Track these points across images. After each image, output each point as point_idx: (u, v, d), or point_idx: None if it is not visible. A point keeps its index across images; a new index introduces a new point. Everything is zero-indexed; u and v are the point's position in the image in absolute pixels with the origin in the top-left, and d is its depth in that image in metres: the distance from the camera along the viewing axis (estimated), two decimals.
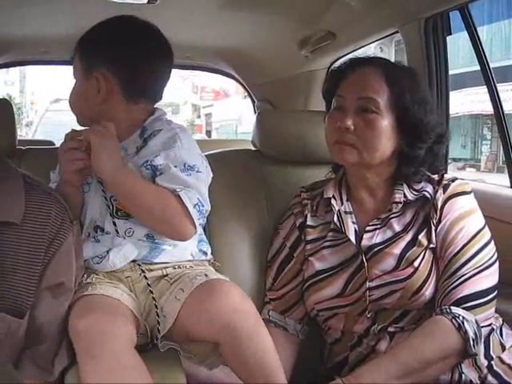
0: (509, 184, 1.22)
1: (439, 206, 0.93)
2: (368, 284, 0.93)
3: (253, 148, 1.26)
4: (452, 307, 0.87)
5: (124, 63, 0.93)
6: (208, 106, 16.79)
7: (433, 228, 0.93)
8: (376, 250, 0.95)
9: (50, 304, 0.80)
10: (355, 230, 0.98)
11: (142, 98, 0.95)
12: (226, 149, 1.31)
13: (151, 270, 0.92)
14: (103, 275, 0.91)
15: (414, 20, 1.28)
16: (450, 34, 1.30)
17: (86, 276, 0.90)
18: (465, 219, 0.92)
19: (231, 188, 1.15)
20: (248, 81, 2.28)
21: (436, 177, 0.98)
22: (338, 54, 1.71)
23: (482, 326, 0.87)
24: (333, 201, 1.00)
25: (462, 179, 0.99)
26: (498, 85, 1.25)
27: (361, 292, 0.94)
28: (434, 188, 0.96)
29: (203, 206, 0.90)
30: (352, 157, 0.94)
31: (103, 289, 0.87)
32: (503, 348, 0.93)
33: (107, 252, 0.91)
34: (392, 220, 0.96)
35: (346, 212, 1.00)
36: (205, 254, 0.99)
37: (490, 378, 0.89)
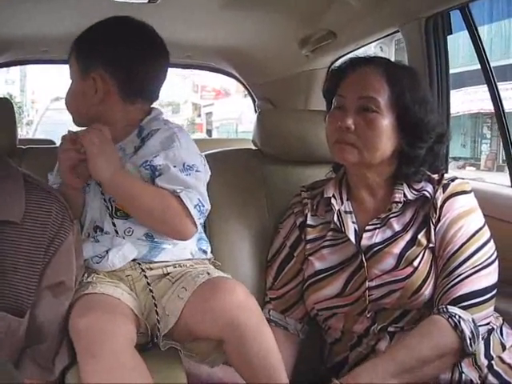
0: (509, 183, 1.22)
1: (439, 206, 0.93)
2: (367, 284, 0.93)
3: (253, 147, 1.26)
4: (449, 306, 0.87)
5: (121, 64, 0.93)
6: (208, 105, 16.78)
7: (432, 227, 0.93)
8: (375, 249, 0.95)
9: (50, 303, 0.80)
10: (355, 230, 0.98)
11: (138, 98, 0.96)
12: (226, 148, 1.31)
13: (151, 269, 0.92)
14: (104, 274, 0.91)
15: (415, 19, 1.28)
16: (451, 33, 1.30)
17: (86, 275, 0.90)
18: (464, 218, 0.92)
19: (232, 187, 1.16)
20: (249, 80, 2.28)
21: (436, 176, 0.98)
22: (339, 54, 1.71)
23: (480, 325, 0.87)
24: (333, 200, 1.00)
25: (462, 179, 0.99)
26: (497, 84, 1.25)
27: (360, 292, 0.94)
28: (434, 187, 0.96)
29: (203, 205, 0.90)
30: (352, 156, 0.94)
31: (104, 288, 0.88)
32: (503, 347, 0.93)
33: (106, 252, 0.91)
34: (392, 219, 0.96)
35: (345, 212, 1.00)
36: (204, 252, 0.99)
37: (490, 377, 0.89)
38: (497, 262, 0.92)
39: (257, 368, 0.82)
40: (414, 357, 0.84)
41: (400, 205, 0.96)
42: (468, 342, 0.85)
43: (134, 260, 0.92)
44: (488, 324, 0.90)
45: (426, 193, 0.95)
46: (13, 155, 1.07)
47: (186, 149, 0.92)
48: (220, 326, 0.82)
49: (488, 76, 1.24)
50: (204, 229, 1.10)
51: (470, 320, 0.86)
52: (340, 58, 1.72)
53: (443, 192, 0.94)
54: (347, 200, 1.01)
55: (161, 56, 0.97)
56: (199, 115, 17.60)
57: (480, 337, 0.87)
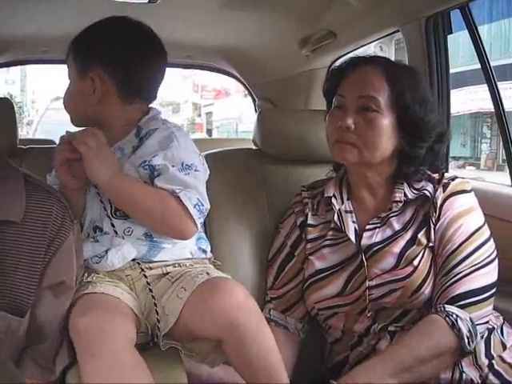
0: (509, 182, 1.22)
1: (439, 205, 0.93)
2: (368, 283, 0.93)
3: (253, 147, 1.26)
4: (446, 305, 0.87)
5: (119, 64, 0.93)
6: (209, 105, 16.78)
7: (432, 226, 0.93)
8: (376, 248, 0.95)
9: (51, 303, 0.81)
10: (355, 229, 0.98)
11: (136, 97, 0.96)
12: (226, 148, 1.31)
13: (151, 269, 0.92)
14: (104, 274, 0.91)
15: (415, 19, 1.28)
16: (451, 32, 1.30)
17: (86, 275, 0.90)
18: (463, 217, 0.92)
19: (232, 187, 1.16)
20: (249, 80, 2.28)
21: (436, 176, 0.98)
22: (339, 53, 1.71)
23: (478, 324, 0.87)
24: (333, 200, 1.00)
25: (463, 178, 0.99)
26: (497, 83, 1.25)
27: (360, 291, 0.94)
28: (434, 187, 0.96)
29: (203, 205, 0.90)
30: (353, 156, 0.94)
31: (104, 287, 0.88)
32: (504, 347, 0.93)
33: (106, 252, 0.91)
34: (392, 219, 0.96)
35: (346, 211, 1.00)
36: (204, 252, 0.99)
37: (491, 376, 0.89)
38: (496, 261, 0.92)
39: (257, 368, 0.82)
40: (412, 356, 0.84)
41: (400, 204, 0.96)
42: (466, 340, 0.85)
43: (133, 260, 0.92)
44: (487, 323, 0.90)
45: (426, 192, 0.95)
46: (13, 155, 1.07)
47: (185, 148, 0.92)
48: (219, 327, 0.81)
49: (488, 75, 1.24)
50: (204, 228, 1.10)
51: (468, 319, 0.86)
52: (340, 57, 1.72)
53: (443, 191, 0.94)
54: (347, 199, 1.01)
55: (158, 56, 0.97)
56: (199, 115, 17.60)
57: (478, 335, 0.87)
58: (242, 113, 12.13)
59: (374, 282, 0.93)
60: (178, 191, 0.88)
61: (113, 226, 0.92)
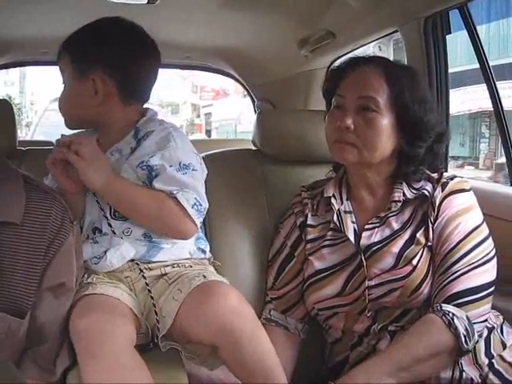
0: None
1: (437, 204, 0.93)
2: (367, 283, 0.93)
3: (253, 147, 1.26)
4: (443, 305, 0.87)
5: (118, 64, 0.93)
6: (207, 106, 16.78)
7: (430, 226, 0.93)
8: (375, 248, 0.95)
9: (51, 304, 0.80)
10: (354, 230, 0.98)
11: (135, 98, 0.97)
12: (226, 148, 1.31)
13: (150, 269, 0.93)
14: (103, 275, 0.91)
15: (414, 19, 1.28)
16: (450, 32, 1.30)
17: (86, 276, 0.90)
18: (462, 216, 0.93)
19: (232, 187, 1.16)
20: (248, 80, 2.29)
21: (435, 175, 0.98)
22: (338, 54, 1.71)
23: (476, 323, 0.87)
24: (333, 200, 1.00)
25: (461, 177, 0.99)
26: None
27: (360, 291, 0.94)
28: (433, 186, 0.96)
29: (201, 204, 0.90)
30: (352, 156, 0.94)
31: (103, 288, 0.88)
32: (504, 346, 0.93)
33: (105, 252, 0.91)
34: (391, 218, 0.96)
35: (345, 211, 1.00)
36: (203, 252, 0.99)
37: (491, 376, 0.89)
38: (495, 260, 0.92)
39: (253, 372, 0.82)
40: (410, 356, 0.84)
41: (399, 204, 0.96)
42: (463, 339, 0.85)
43: (132, 260, 0.92)
44: (485, 321, 0.90)
45: (425, 192, 0.95)
46: (13, 157, 1.07)
47: (182, 148, 0.92)
48: (213, 332, 0.81)
49: (487, 75, 1.24)
50: (204, 229, 1.11)
51: (465, 317, 0.86)
52: (339, 58, 1.72)
53: (442, 190, 0.95)
54: (347, 200, 1.01)
55: (152, 56, 0.98)
56: (198, 116, 17.60)
57: (476, 334, 0.87)
58: (240, 113, 12.13)
59: (373, 282, 0.93)
60: (175, 192, 0.88)
61: (110, 226, 0.92)
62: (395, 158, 0.97)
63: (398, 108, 0.93)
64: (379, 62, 0.98)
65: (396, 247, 0.94)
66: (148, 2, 1.42)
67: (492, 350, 0.92)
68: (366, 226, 0.97)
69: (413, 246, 0.93)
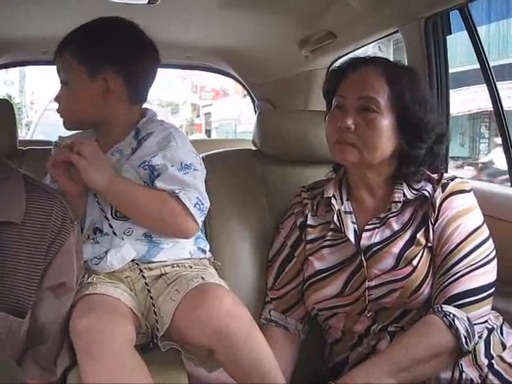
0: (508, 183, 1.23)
1: (437, 205, 0.93)
2: (367, 283, 0.93)
3: (253, 148, 1.26)
4: (443, 305, 0.87)
5: (127, 64, 0.93)
6: (207, 106, 16.78)
7: (431, 226, 0.93)
8: (375, 249, 0.95)
9: (51, 304, 0.80)
10: (355, 230, 0.98)
11: (139, 98, 0.97)
12: (226, 149, 1.31)
13: (150, 269, 0.93)
14: (104, 275, 0.92)
15: (415, 20, 1.28)
16: (450, 33, 1.30)
17: (86, 276, 0.91)
18: (462, 217, 0.93)
19: (232, 187, 1.16)
20: (248, 80, 2.29)
21: (436, 176, 0.98)
22: (338, 54, 1.72)
23: (476, 324, 0.87)
24: (333, 200, 1.00)
25: (462, 178, 0.99)
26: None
27: (360, 291, 0.94)
28: (433, 187, 0.96)
29: (203, 203, 0.91)
30: (353, 156, 0.94)
31: (104, 288, 0.88)
32: (504, 347, 0.93)
33: (105, 253, 0.91)
34: (391, 219, 0.96)
35: (345, 212, 1.00)
36: (203, 251, 1.00)
37: (490, 376, 0.90)
38: (495, 261, 0.92)
39: (250, 373, 0.81)
40: (410, 356, 0.84)
41: (399, 204, 0.96)
42: (463, 340, 0.85)
43: (132, 260, 0.92)
44: (485, 322, 0.90)
45: (425, 192, 0.95)
46: (13, 156, 1.07)
47: (183, 148, 0.93)
48: (208, 335, 0.81)
49: (487, 76, 1.24)
50: (204, 229, 1.11)
51: (465, 318, 0.86)
52: (339, 58, 1.72)
53: (442, 191, 0.95)
54: (347, 200, 1.01)
55: (152, 56, 0.98)
56: (198, 115, 17.60)
57: (476, 335, 0.87)
58: (240, 113, 12.12)
59: (373, 283, 0.93)
60: (177, 191, 0.89)
61: (111, 227, 0.92)
62: (395, 159, 0.97)
63: (398, 109, 0.93)
64: (380, 62, 0.98)
65: (396, 248, 0.94)
66: (148, 2, 1.42)
67: (492, 351, 0.92)
68: (366, 227, 0.97)
69: (413, 247, 0.93)
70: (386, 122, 0.93)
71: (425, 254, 0.93)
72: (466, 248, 0.91)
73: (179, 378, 0.85)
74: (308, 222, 1.03)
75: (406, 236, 0.94)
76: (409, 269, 0.92)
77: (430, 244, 0.93)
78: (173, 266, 0.93)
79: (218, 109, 15.76)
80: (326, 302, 0.97)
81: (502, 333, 0.95)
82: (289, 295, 1.03)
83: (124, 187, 0.90)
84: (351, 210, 1.01)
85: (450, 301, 0.88)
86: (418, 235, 0.94)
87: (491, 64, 1.26)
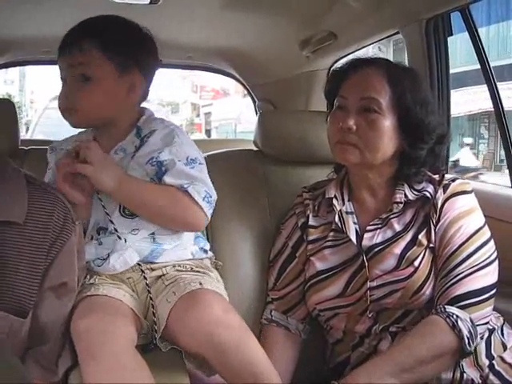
0: (509, 183, 1.23)
1: (439, 206, 0.94)
2: (369, 284, 0.93)
3: (254, 148, 1.26)
4: (446, 306, 0.88)
5: (148, 65, 0.95)
6: (207, 105, 16.78)
7: (432, 227, 0.93)
8: (377, 249, 0.95)
9: (53, 304, 0.80)
10: (356, 231, 0.98)
11: (146, 98, 0.99)
12: (227, 149, 1.31)
13: (153, 270, 0.93)
14: (106, 276, 0.92)
15: (416, 21, 1.28)
16: (451, 34, 1.31)
17: (88, 277, 0.91)
18: (464, 218, 0.93)
19: (233, 188, 1.16)
20: (249, 81, 2.29)
21: (437, 177, 0.98)
22: (340, 55, 1.72)
23: (479, 325, 0.87)
24: (334, 201, 1.00)
25: (463, 179, 1.00)
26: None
27: (362, 292, 0.94)
28: (434, 188, 0.96)
29: (211, 196, 0.92)
30: (354, 157, 0.95)
31: (106, 289, 0.88)
32: (504, 347, 0.94)
33: (108, 255, 0.91)
34: (392, 220, 0.96)
35: (347, 212, 1.00)
36: (205, 251, 1.00)
37: (491, 377, 0.90)
38: (496, 262, 0.92)
39: (245, 379, 0.81)
40: (412, 357, 0.84)
41: (401, 205, 0.96)
42: (466, 341, 0.85)
43: None
44: (487, 323, 0.90)
45: (426, 193, 0.96)
46: (14, 156, 1.07)
47: (187, 143, 0.94)
48: (198, 342, 0.81)
49: (488, 76, 1.24)
50: (205, 229, 1.11)
51: (468, 319, 0.86)
52: (340, 59, 1.72)
53: (444, 192, 0.95)
54: (348, 201, 1.02)
55: (158, 57, 0.99)
56: (198, 115, 17.60)
57: (478, 336, 0.87)
58: (240, 113, 12.12)
59: (375, 283, 0.93)
60: (186, 186, 0.90)
61: (115, 225, 0.91)
62: (397, 160, 0.97)
63: (399, 109, 0.94)
64: (381, 63, 0.98)
65: (398, 248, 0.94)
66: (150, 2, 1.42)
67: (492, 352, 0.92)
68: (368, 228, 0.97)
69: (415, 248, 0.93)
70: (387, 123, 0.93)
71: (426, 254, 0.93)
72: (468, 249, 0.91)
73: (180, 378, 0.85)
74: (309, 223, 1.03)
75: (408, 237, 0.95)
76: (410, 269, 0.92)
77: (431, 245, 0.93)
78: (174, 266, 0.93)
79: (218, 108, 15.76)
80: (327, 302, 0.97)
81: (502, 333, 0.96)
82: (290, 295, 1.04)
83: (133, 186, 0.90)
84: (353, 210, 1.01)
85: (452, 302, 0.88)
86: (420, 236, 0.94)
87: (491, 65, 1.26)
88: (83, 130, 1.01)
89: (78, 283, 0.85)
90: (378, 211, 0.98)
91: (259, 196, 1.17)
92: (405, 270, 0.92)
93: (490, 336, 0.93)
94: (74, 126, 0.96)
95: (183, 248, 0.96)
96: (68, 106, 0.92)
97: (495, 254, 0.93)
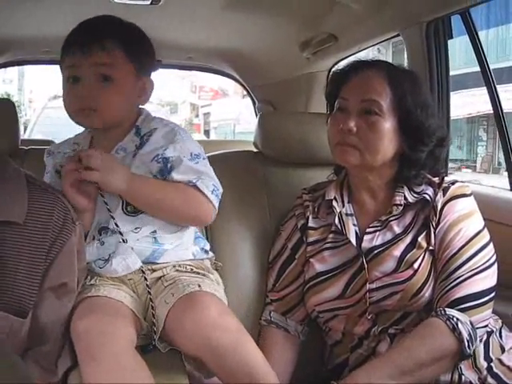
0: (508, 187, 1.23)
1: (439, 209, 0.94)
2: (368, 286, 0.94)
3: (254, 149, 1.27)
4: (447, 309, 0.88)
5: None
6: (206, 106, 16.77)
7: (432, 230, 0.94)
8: (376, 252, 0.95)
9: (53, 304, 0.80)
10: (356, 232, 0.98)
11: None
12: (227, 150, 1.32)
13: (154, 271, 0.93)
14: (106, 277, 0.91)
15: (416, 24, 1.28)
16: (452, 37, 1.31)
17: (89, 278, 0.91)
18: (463, 221, 0.93)
19: (233, 189, 1.15)
20: (249, 82, 2.29)
21: (436, 179, 0.98)
22: (340, 57, 1.72)
23: (478, 328, 0.88)
24: (334, 203, 1.00)
25: (462, 182, 1.00)
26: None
27: (361, 294, 0.94)
28: (434, 191, 0.96)
29: (218, 189, 0.93)
30: (354, 158, 0.95)
31: (107, 290, 0.88)
32: (503, 350, 0.94)
33: (110, 255, 0.91)
34: (392, 222, 0.97)
35: (347, 214, 1.00)
36: (206, 252, 1.00)
37: (489, 379, 0.90)
38: (496, 265, 0.92)
39: (242, 380, 0.81)
40: (412, 359, 0.85)
41: (400, 207, 0.96)
42: (466, 344, 0.85)
43: None
44: (486, 326, 0.91)
45: (426, 196, 0.96)
46: (15, 156, 1.07)
47: (188, 140, 0.95)
48: (196, 345, 0.81)
49: (488, 79, 1.25)
50: (205, 229, 1.11)
51: (468, 322, 0.87)
52: (341, 60, 1.73)
53: (443, 195, 0.95)
54: (348, 202, 1.02)
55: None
56: (197, 115, 17.59)
57: (478, 339, 0.88)
58: (239, 114, 12.12)
59: (374, 285, 0.94)
60: (194, 180, 0.91)
61: (117, 226, 0.91)
62: (397, 162, 0.97)
63: (400, 112, 0.94)
64: (382, 65, 0.98)
65: (397, 251, 0.94)
66: (151, 3, 1.42)
67: (491, 354, 0.92)
68: (368, 230, 0.97)
69: (414, 250, 0.94)
70: (387, 125, 0.94)
71: (426, 257, 0.93)
72: (468, 253, 0.91)
73: (180, 378, 0.85)
74: (309, 224, 1.03)
75: (408, 239, 0.95)
76: (410, 272, 0.92)
77: (431, 247, 0.94)
78: (174, 267, 0.94)
79: (217, 109, 15.75)
80: (326, 304, 0.97)
81: (500, 336, 0.96)
82: (289, 297, 1.04)
83: (143, 184, 0.90)
84: (352, 212, 1.01)
85: (452, 305, 0.89)
86: (420, 238, 0.94)
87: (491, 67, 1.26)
88: (80, 131, 1.01)
89: (79, 284, 0.85)
90: (377, 213, 0.99)
91: (259, 197, 1.17)
92: (404, 273, 0.92)
93: (488, 338, 0.93)
94: (90, 126, 0.95)
95: (184, 248, 0.96)
96: (84, 107, 0.89)
97: (494, 257, 0.93)
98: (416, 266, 0.92)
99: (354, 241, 0.97)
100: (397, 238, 0.95)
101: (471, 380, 0.90)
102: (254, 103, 2.36)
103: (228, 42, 1.88)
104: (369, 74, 0.96)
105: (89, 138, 0.98)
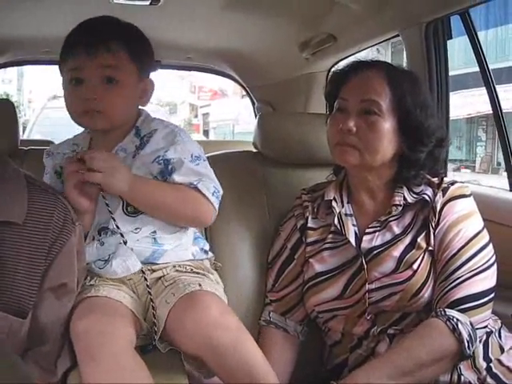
0: (508, 187, 1.23)
1: (438, 209, 0.94)
2: (367, 286, 0.94)
3: (253, 149, 1.27)
4: (447, 309, 0.88)
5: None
6: (205, 106, 16.77)
7: (431, 231, 0.94)
8: (376, 252, 0.95)
9: (52, 305, 0.80)
10: (355, 233, 0.98)
11: None
12: (227, 150, 1.32)
13: (153, 271, 0.93)
14: (106, 278, 0.91)
15: (416, 24, 1.28)
16: (451, 38, 1.31)
17: (89, 278, 0.91)
18: (463, 222, 0.93)
19: (233, 189, 1.15)
20: (248, 82, 2.29)
21: (436, 180, 0.98)
22: (339, 57, 1.72)
23: (478, 328, 0.88)
24: (333, 203, 1.01)
25: (462, 182, 1.00)
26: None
27: (360, 294, 0.94)
28: (433, 191, 0.96)
29: (218, 191, 0.93)
30: (354, 158, 0.95)
31: (106, 291, 0.88)
32: (502, 350, 0.94)
33: (109, 256, 0.91)
34: (391, 222, 0.97)
35: (346, 214, 1.00)
36: (205, 252, 1.00)
37: (488, 379, 0.90)
38: (495, 266, 0.93)
39: (242, 380, 0.81)
40: (412, 360, 0.85)
41: (400, 208, 0.96)
42: (466, 344, 0.85)
43: None
44: (486, 327, 0.91)
45: (425, 196, 0.96)
46: (14, 156, 1.07)
47: (189, 141, 0.95)
48: (197, 344, 0.81)
49: (487, 79, 1.25)
50: (204, 230, 1.11)
51: (468, 323, 0.87)
52: (340, 61, 1.73)
53: (443, 196, 0.95)
54: (348, 203, 1.02)
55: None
56: (196, 116, 17.59)
57: (477, 339, 0.88)
58: (238, 114, 12.12)
59: (373, 286, 0.94)
60: (195, 182, 0.91)
61: (117, 227, 0.91)
62: (396, 162, 0.97)
63: (399, 112, 0.94)
64: (381, 66, 0.98)
65: (397, 251, 0.94)
66: (151, 3, 1.42)
67: (490, 354, 0.92)
68: (367, 230, 0.97)
69: (413, 251, 0.94)
70: (387, 125, 0.94)
71: (425, 257, 0.93)
72: (467, 253, 0.91)
73: (179, 379, 0.85)
74: (308, 225, 1.03)
75: (407, 240, 0.95)
76: (409, 272, 0.92)
77: (430, 248, 0.94)
78: (174, 267, 0.94)
79: (216, 109, 15.75)
80: (325, 304, 0.98)
81: (500, 336, 0.96)
82: (288, 297, 1.04)
83: (145, 186, 0.90)
84: (352, 212, 1.01)
85: (452, 305, 0.89)
86: (419, 239, 0.94)
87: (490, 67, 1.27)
88: (80, 132, 1.00)
89: (78, 284, 0.85)
90: (377, 214, 0.99)
91: (258, 197, 1.17)
92: (403, 273, 0.93)
93: (487, 339, 0.93)
94: (94, 128, 0.94)
95: (184, 249, 0.96)
96: (89, 109, 0.89)
97: (494, 258, 0.93)
98: (415, 266, 0.92)
99: (353, 241, 0.97)
100: (396, 239, 0.95)
101: (470, 380, 0.90)
102: (253, 103, 2.36)
103: (227, 42, 1.88)
104: (368, 74, 0.96)
105: (88, 138, 0.98)
